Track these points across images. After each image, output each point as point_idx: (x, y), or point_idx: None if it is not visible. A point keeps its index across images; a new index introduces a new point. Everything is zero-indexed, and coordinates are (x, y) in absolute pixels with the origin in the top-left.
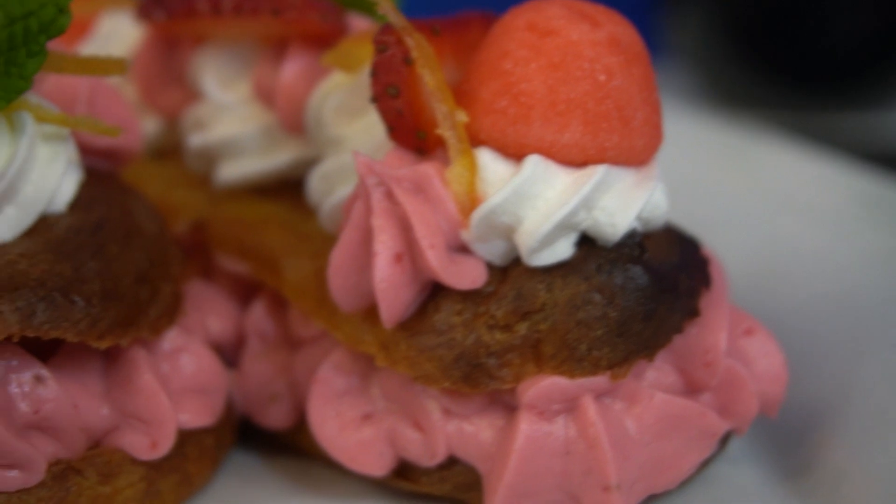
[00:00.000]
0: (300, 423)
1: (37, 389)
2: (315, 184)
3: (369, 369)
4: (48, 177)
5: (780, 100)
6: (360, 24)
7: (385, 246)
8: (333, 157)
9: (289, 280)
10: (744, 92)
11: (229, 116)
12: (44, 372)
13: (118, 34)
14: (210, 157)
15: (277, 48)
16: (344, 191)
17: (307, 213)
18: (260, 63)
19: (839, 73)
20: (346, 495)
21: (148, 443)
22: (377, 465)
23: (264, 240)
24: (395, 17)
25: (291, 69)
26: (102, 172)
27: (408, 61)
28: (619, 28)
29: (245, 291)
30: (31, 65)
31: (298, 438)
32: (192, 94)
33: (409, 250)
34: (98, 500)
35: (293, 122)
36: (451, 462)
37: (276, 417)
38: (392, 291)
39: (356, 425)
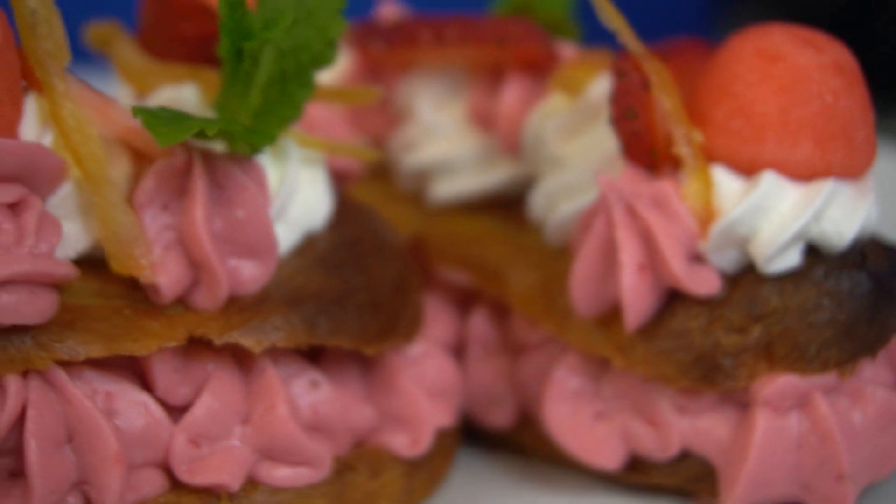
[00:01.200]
0: (522, 423)
1: (314, 393)
2: (539, 200)
3: (600, 370)
4: (311, 198)
5: None
6: (565, 50)
7: (630, 257)
8: (556, 175)
9: (514, 289)
10: None
11: (442, 137)
12: (318, 376)
13: None
14: (423, 175)
15: (492, 73)
16: (567, 206)
17: (521, 226)
18: (475, 88)
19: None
20: (569, 490)
21: (409, 441)
22: (612, 459)
23: (485, 252)
24: (635, 45)
25: (512, 94)
26: (337, 192)
27: (646, 86)
28: (840, 52)
29: (462, 300)
30: (301, 95)
31: (520, 436)
32: (396, 116)
33: (651, 261)
34: (369, 494)
35: (511, 142)
36: (683, 456)
37: (498, 417)
38: (637, 299)
39: (591, 422)
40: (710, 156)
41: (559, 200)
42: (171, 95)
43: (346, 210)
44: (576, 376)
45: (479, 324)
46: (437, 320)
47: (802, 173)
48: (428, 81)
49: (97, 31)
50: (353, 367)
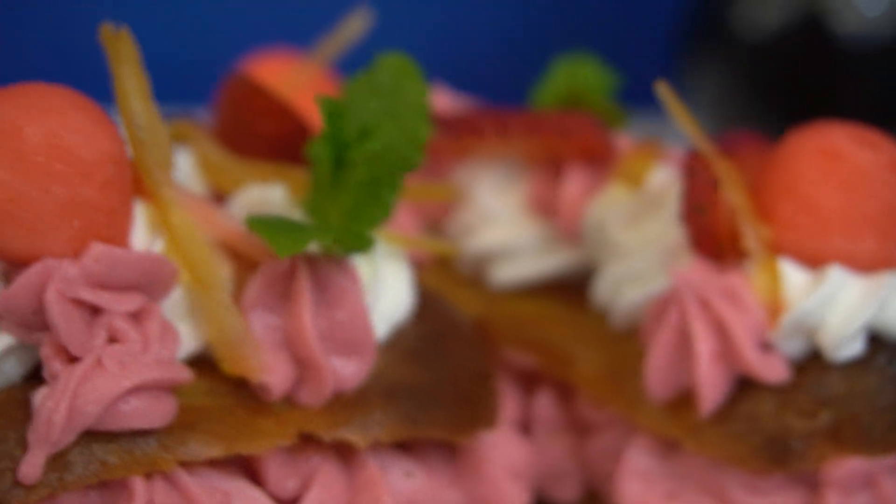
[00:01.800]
0: (589, 498)
1: (409, 482)
2: (603, 286)
3: (670, 451)
4: (397, 291)
5: None
6: (620, 140)
7: (706, 347)
8: (620, 262)
9: (581, 371)
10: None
11: (502, 222)
12: (411, 466)
13: None
14: (483, 259)
15: (550, 163)
16: (634, 293)
17: (582, 310)
18: (534, 176)
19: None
20: None
21: None
22: None
23: (550, 334)
24: (705, 146)
25: (573, 183)
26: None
27: (715, 184)
28: (894, 150)
29: (525, 381)
30: (391, 197)
31: None
32: (453, 201)
33: (724, 350)
34: None
35: (571, 229)
36: None
37: (566, 493)
38: (712, 387)
39: (662, 501)
40: (776, 249)
41: (625, 287)
42: (259, 195)
43: (424, 300)
44: (647, 456)
45: (545, 403)
46: (505, 401)
47: (866, 265)
48: (486, 168)
49: (175, 126)
50: (438, 454)
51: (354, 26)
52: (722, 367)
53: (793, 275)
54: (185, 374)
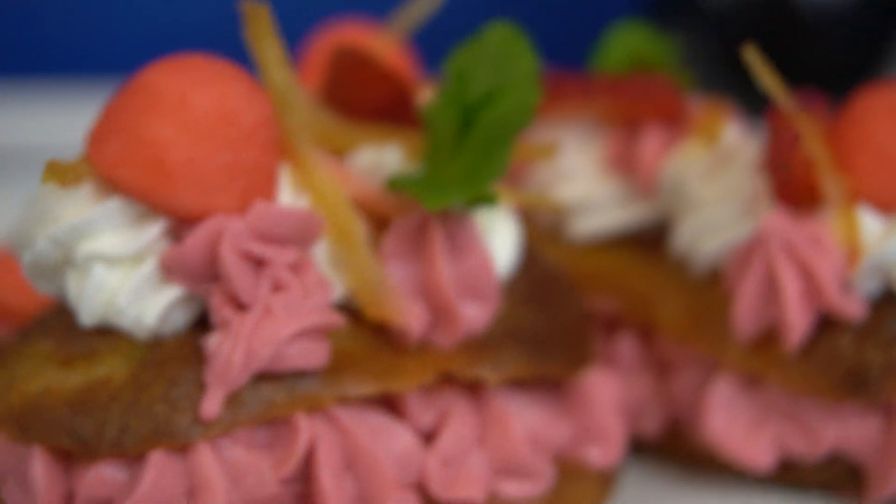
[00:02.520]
0: (672, 432)
1: (528, 414)
2: (684, 236)
3: (752, 384)
4: (508, 241)
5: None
6: (691, 100)
7: (793, 287)
8: (699, 213)
9: (664, 314)
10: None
11: (582, 178)
12: (527, 399)
13: None
14: (562, 213)
15: (627, 122)
16: (715, 242)
17: (658, 260)
18: (612, 135)
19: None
20: (727, 493)
21: (602, 453)
22: (765, 461)
23: (631, 282)
24: (787, 104)
25: (651, 141)
26: None
27: (797, 140)
28: None
29: (605, 326)
30: (505, 156)
31: (670, 445)
32: None
33: (808, 290)
34: (573, 502)
35: (649, 184)
36: (831, 457)
37: (648, 427)
38: (799, 324)
39: (746, 430)
40: (853, 198)
41: (704, 237)
42: (374, 156)
43: (526, 250)
44: (730, 390)
45: (626, 345)
46: None
47: None
48: (566, 128)
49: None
50: (546, 390)
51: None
52: (806, 306)
53: (869, 221)
54: (340, 319)
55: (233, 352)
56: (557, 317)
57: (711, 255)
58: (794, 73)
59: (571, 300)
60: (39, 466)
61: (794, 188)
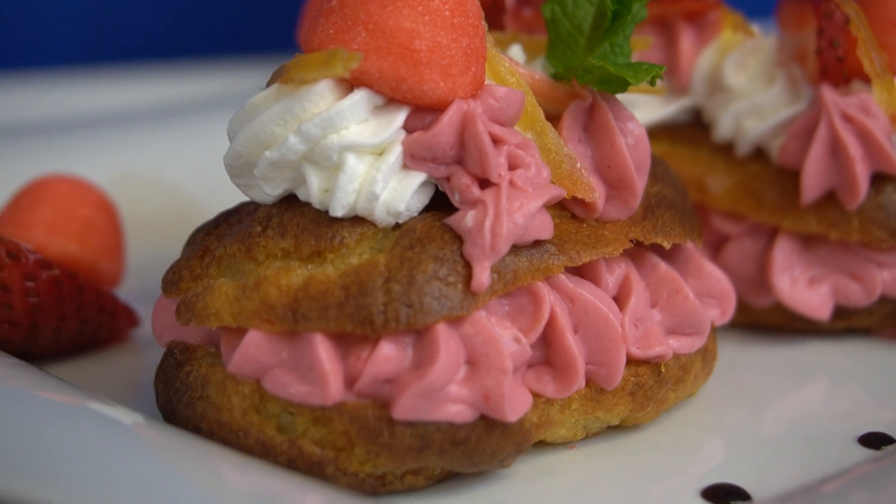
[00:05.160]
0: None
1: (677, 276)
2: (727, 121)
3: (808, 245)
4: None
5: None
6: None
7: (857, 150)
8: (739, 100)
9: (717, 192)
10: None
11: None
12: (658, 260)
13: None
14: None
15: (661, 24)
16: (759, 123)
17: (697, 146)
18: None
19: None
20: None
21: (720, 312)
22: (825, 311)
23: (680, 166)
24: None
25: (686, 42)
26: None
27: (847, 22)
28: None
29: None
30: (628, 47)
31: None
32: None
33: (867, 152)
34: (707, 352)
35: (687, 81)
36: (881, 300)
37: None
38: (863, 182)
39: (807, 285)
40: (890, 71)
41: (748, 119)
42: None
43: None
44: (791, 251)
45: None
46: None
47: None
48: None
49: None
50: (668, 257)
51: None
52: (866, 166)
53: None
54: (564, 193)
55: (497, 224)
56: (678, 191)
57: (757, 135)
58: None
59: (676, 177)
60: (323, 351)
61: (842, 66)
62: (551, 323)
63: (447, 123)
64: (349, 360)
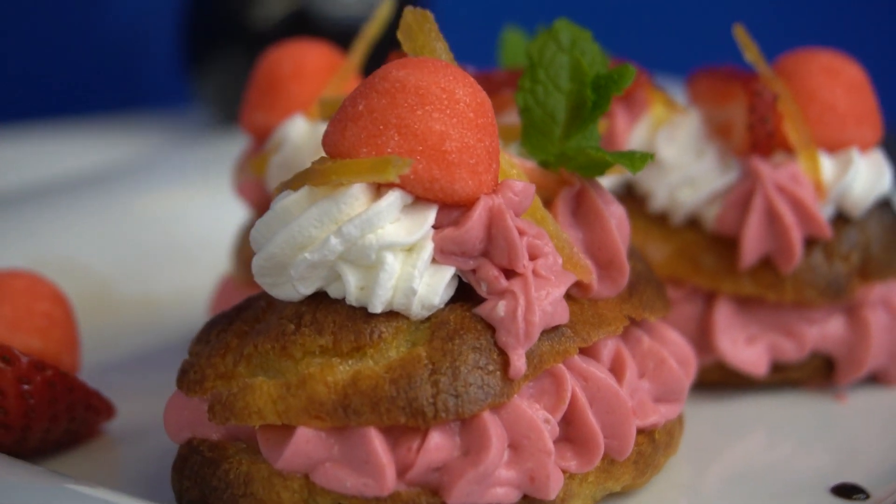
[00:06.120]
0: None
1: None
2: (662, 192)
3: (745, 306)
4: None
5: None
6: None
7: (790, 218)
8: (671, 172)
9: (657, 260)
10: None
11: None
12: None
13: None
14: None
15: None
16: (693, 193)
17: (632, 216)
18: None
19: None
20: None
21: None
22: (761, 367)
23: None
24: (766, 70)
25: (621, 117)
26: None
27: (775, 99)
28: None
29: None
30: (597, 130)
31: None
32: None
33: (799, 219)
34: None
35: None
36: (812, 355)
37: None
38: (798, 248)
39: (745, 343)
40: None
41: (681, 190)
42: None
43: None
44: (729, 313)
45: None
46: None
47: (867, 147)
48: None
49: None
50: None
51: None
52: (800, 233)
53: (825, 160)
54: (575, 279)
55: (529, 313)
56: (646, 265)
57: (691, 205)
58: None
59: (638, 251)
60: (378, 444)
61: (771, 140)
62: (573, 402)
63: (477, 220)
64: (399, 451)
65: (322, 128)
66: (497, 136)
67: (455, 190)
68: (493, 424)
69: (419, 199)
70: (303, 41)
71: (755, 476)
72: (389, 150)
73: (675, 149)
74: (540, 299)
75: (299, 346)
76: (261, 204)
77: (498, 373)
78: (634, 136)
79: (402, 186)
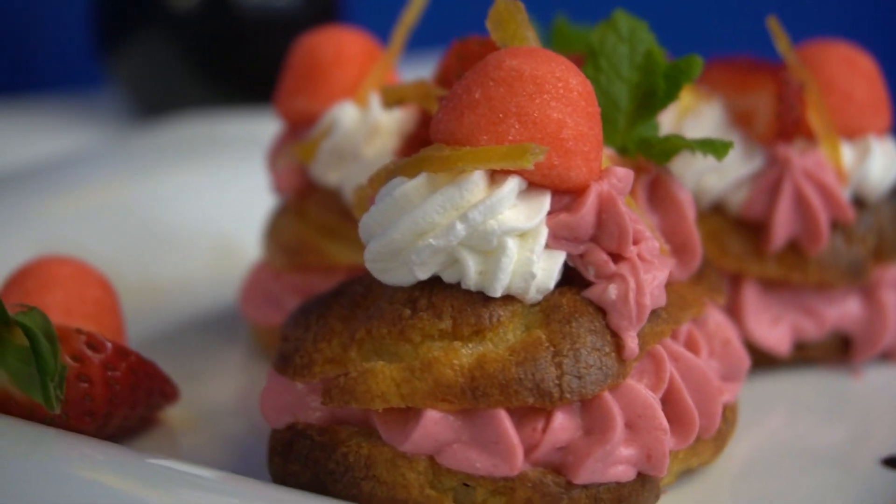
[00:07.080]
0: None
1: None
2: (689, 179)
3: (769, 288)
4: None
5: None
6: None
7: (819, 204)
8: (697, 159)
9: None
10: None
11: None
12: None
13: None
14: None
15: None
16: (720, 180)
17: None
18: None
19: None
20: None
21: None
22: (784, 346)
23: None
24: (795, 61)
25: None
26: None
27: (802, 87)
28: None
29: None
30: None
31: None
32: None
33: (825, 204)
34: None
35: None
36: (832, 333)
37: None
38: (823, 231)
39: (770, 324)
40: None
41: (708, 176)
42: None
43: None
44: (755, 295)
45: None
46: None
47: (881, 134)
48: None
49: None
50: None
51: None
52: (826, 217)
53: (845, 147)
54: (674, 262)
55: (640, 295)
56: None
57: (717, 191)
58: (241, 66)
59: None
60: (509, 425)
61: (797, 127)
62: (670, 381)
63: (591, 205)
64: (524, 431)
65: (373, 114)
66: (601, 123)
67: (570, 177)
68: (610, 404)
69: (532, 185)
70: (338, 27)
71: (799, 450)
72: (511, 137)
73: (702, 136)
74: (648, 282)
75: (418, 330)
76: (302, 190)
77: (613, 354)
78: (663, 125)
79: (519, 173)
